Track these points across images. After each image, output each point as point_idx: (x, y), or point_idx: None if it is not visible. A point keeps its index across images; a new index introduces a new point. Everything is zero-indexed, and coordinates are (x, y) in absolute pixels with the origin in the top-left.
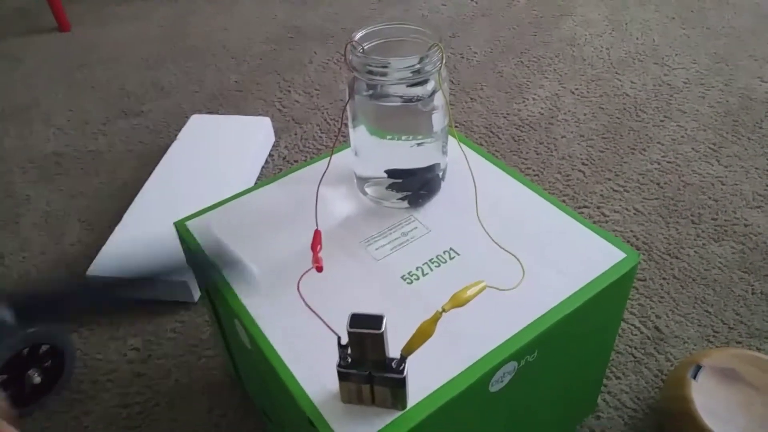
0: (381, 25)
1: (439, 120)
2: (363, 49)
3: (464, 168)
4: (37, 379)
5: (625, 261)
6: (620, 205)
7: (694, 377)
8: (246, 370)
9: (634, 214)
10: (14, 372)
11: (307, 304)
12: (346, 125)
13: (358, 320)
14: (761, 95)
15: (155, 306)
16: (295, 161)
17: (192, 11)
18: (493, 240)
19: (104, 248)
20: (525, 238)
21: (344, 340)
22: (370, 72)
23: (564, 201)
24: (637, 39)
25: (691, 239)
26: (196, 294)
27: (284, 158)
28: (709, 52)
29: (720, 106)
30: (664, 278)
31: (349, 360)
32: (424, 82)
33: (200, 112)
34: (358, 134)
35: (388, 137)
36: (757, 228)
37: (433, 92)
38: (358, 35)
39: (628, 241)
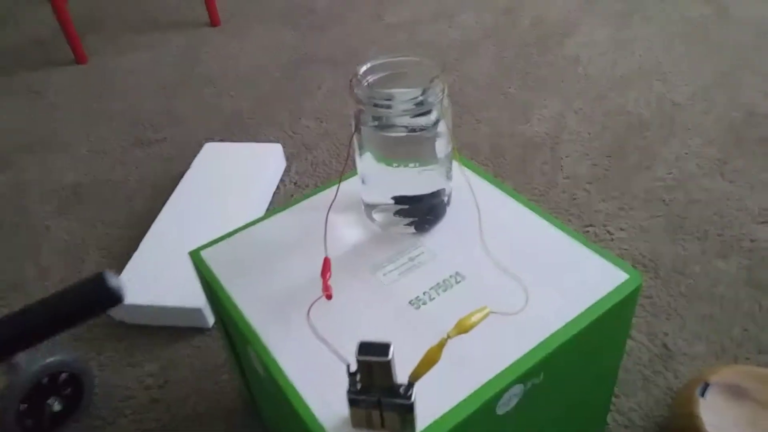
0: (384, 58)
1: (442, 147)
2: (368, 82)
3: (469, 192)
4: (57, 407)
5: (628, 282)
6: (626, 223)
7: (703, 395)
8: (260, 396)
9: (640, 231)
10: (35, 400)
11: (316, 334)
12: (354, 153)
13: (366, 348)
14: (765, 110)
15: (171, 332)
16: (306, 186)
17: (204, 41)
18: (497, 264)
19: (122, 276)
20: (529, 261)
21: (353, 368)
22: (375, 105)
23: (570, 220)
24: (641, 57)
25: (697, 256)
26: (211, 320)
27: (295, 183)
28: (712, 69)
29: (724, 121)
30: (671, 295)
31: (359, 386)
32: (428, 112)
33: (213, 139)
34: (365, 162)
35: (394, 165)
36: (764, 243)
37: (437, 121)
38: (363, 69)
39: (635, 259)
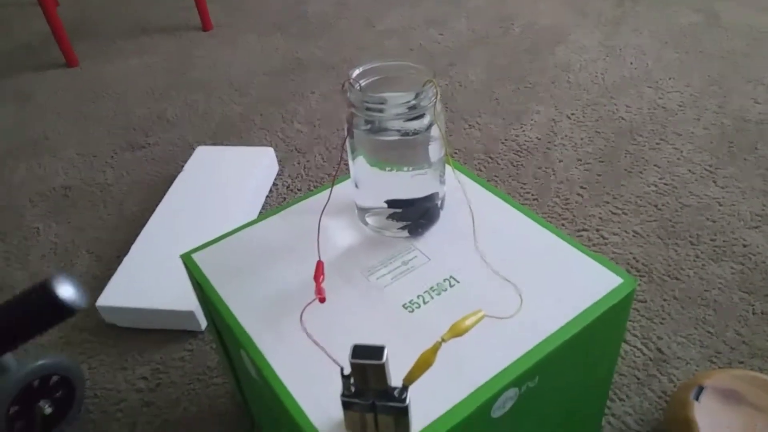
0: (377, 62)
1: (435, 151)
2: (360, 86)
3: (462, 196)
4: (48, 410)
5: (622, 286)
6: (619, 228)
7: (697, 399)
8: (253, 399)
9: (633, 236)
10: (25, 403)
11: (310, 337)
12: (346, 157)
13: (360, 351)
14: (755, 116)
15: (163, 335)
16: (299, 190)
17: (196, 45)
18: (490, 268)
19: (113, 279)
20: (522, 265)
21: (347, 371)
22: (368, 109)
23: (563, 224)
24: (632, 64)
25: (690, 260)
26: (203, 323)
27: (288, 187)
28: (702, 75)
29: (715, 128)
30: (664, 299)
31: (353, 390)
32: (421, 116)
33: (205, 143)
34: (358, 166)
35: (387, 169)
36: (756, 248)
37: (430, 125)
38: (356, 73)
39: (628, 264)
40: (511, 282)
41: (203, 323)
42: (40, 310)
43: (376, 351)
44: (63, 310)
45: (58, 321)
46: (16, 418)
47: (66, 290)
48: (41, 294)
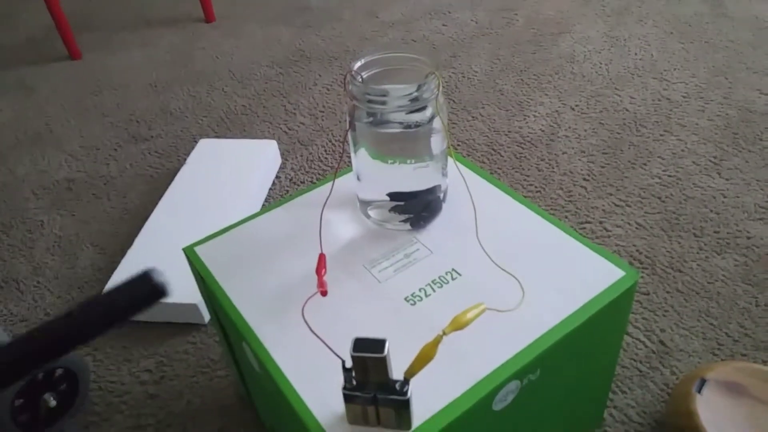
0: (379, 54)
1: (438, 143)
2: (362, 78)
3: (464, 189)
4: (53, 403)
5: (624, 279)
6: (622, 220)
7: (699, 391)
8: (256, 391)
9: (636, 228)
10: (30, 396)
11: (311, 330)
12: (348, 149)
13: (361, 344)
14: (761, 107)
15: (166, 328)
16: (302, 183)
17: (198, 37)
18: (492, 261)
19: (116, 272)
20: (524, 257)
21: (348, 364)
22: (370, 101)
23: (566, 217)
24: (636, 54)
25: (693, 252)
26: (206, 316)
27: (291, 180)
28: (707, 66)
29: (720, 119)
30: (667, 292)
31: (354, 383)
32: (423, 108)
33: (208, 136)
34: (360, 159)
35: (389, 161)
36: (760, 240)
37: (432, 117)
38: (357, 64)
39: (631, 256)
40: (513, 275)
41: (206, 316)
42: (141, 292)
43: (378, 344)
44: (160, 293)
45: (154, 303)
46: (20, 410)
47: (161, 277)
48: (143, 279)
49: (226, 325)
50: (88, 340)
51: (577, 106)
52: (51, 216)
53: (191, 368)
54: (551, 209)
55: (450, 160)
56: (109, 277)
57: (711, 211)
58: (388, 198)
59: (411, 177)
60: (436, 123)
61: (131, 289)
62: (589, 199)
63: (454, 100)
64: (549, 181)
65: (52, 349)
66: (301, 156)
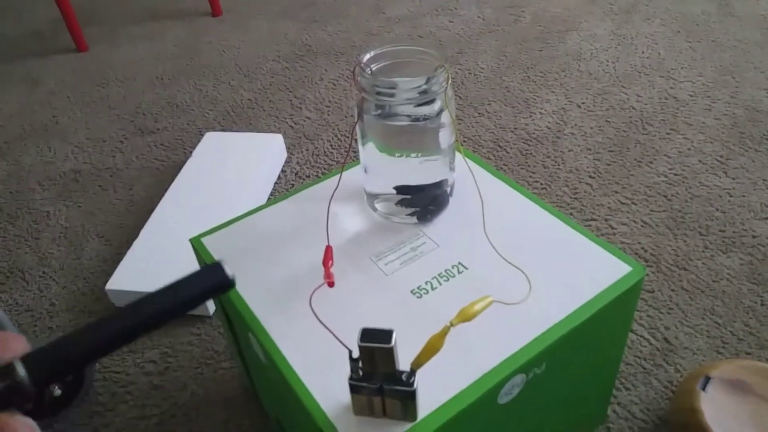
0: (388, 46)
1: (446, 137)
2: (371, 70)
3: (471, 183)
4: (57, 392)
5: (631, 274)
6: (628, 218)
7: (704, 389)
8: (261, 383)
9: (642, 226)
10: None
11: (319, 319)
12: (356, 143)
13: (368, 335)
14: (767, 107)
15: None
16: (307, 177)
17: (205, 30)
18: (500, 254)
19: (122, 263)
20: (531, 252)
21: (355, 354)
22: (379, 93)
23: (572, 214)
24: (643, 53)
25: (699, 251)
26: (212, 307)
27: (296, 174)
28: (714, 65)
29: (726, 118)
30: (672, 290)
31: (361, 373)
32: (431, 101)
33: (214, 129)
34: (368, 152)
35: (397, 155)
36: (765, 239)
37: (440, 111)
38: (366, 57)
39: (636, 253)
40: (519, 269)
41: (211, 308)
42: (211, 282)
43: (385, 335)
44: (228, 284)
45: (221, 293)
46: None
47: (229, 269)
48: (213, 270)
49: (232, 316)
50: (151, 330)
51: (583, 103)
52: (57, 207)
53: (196, 359)
54: (557, 206)
55: (457, 154)
56: (114, 268)
57: (717, 209)
58: (395, 191)
59: (418, 170)
60: (445, 117)
61: (200, 280)
62: (594, 196)
63: (460, 97)
64: (555, 178)
65: (114, 342)
66: (307, 150)
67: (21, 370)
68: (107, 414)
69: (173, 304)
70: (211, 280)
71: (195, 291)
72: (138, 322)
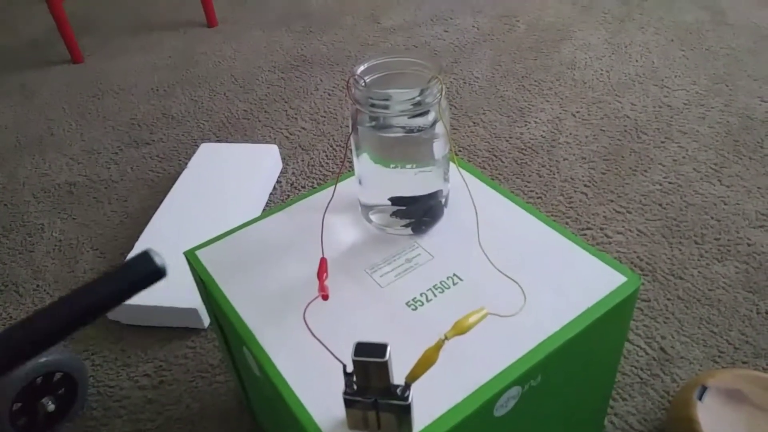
0: (382, 58)
1: (440, 148)
2: (365, 82)
3: (466, 194)
4: (51, 407)
5: (626, 285)
6: (623, 227)
7: (700, 398)
8: (255, 396)
9: (637, 235)
10: (28, 400)
11: (313, 334)
12: (351, 153)
13: (362, 349)
14: (761, 115)
15: (166, 332)
16: (303, 187)
17: (200, 41)
18: (494, 266)
19: None
20: (526, 263)
21: (349, 368)
22: (373, 105)
23: (567, 223)
24: (637, 61)
25: (694, 259)
26: (206, 320)
27: (292, 184)
28: (708, 73)
29: (720, 126)
30: (668, 299)
31: (355, 387)
32: (426, 112)
33: (209, 140)
34: (362, 163)
35: (392, 166)
36: (761, 247)
37: (435, 122)
38: (360, 69)
39: (632, 262)
40: (514, 280)
41: (206, 321)
42: (141, 273)
43: (379, 348)
44: (159, 273)
45: (152, 283)
46: (19, 414)
47: (160, 259)
48: (142, 260)
49: (226, 329)
50: (86, 322)
51: (578, 112)
52: (51, 219)
53: (190, 373)
54: (552, 215)
55: (452, 164)
56: None
57: (712, 218)
58: (389, 202)
59: (413, 181)
60: (439, 127)
61: (130, 270)
62: (589, 205)
63: (455, 106)
64: (550, 187)
65: (51, 334)
66: (302, 161)
67: None
68: (101, 429)
69: (103, 297)
70: (142, 271)
71: (124, 283)
72: (65, 318)
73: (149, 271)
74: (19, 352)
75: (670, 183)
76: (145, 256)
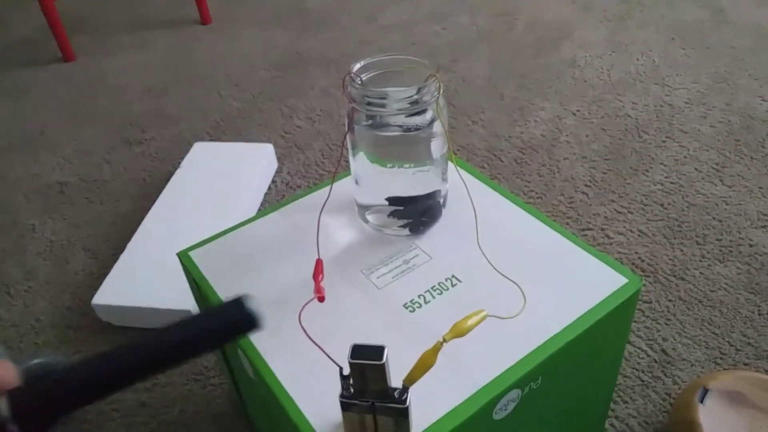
0: (379, 56)
1: (438, 147)
2: (361, 80)
3: (465, 194)
4: None
5: (627, 286)
6: (624, 227)
7: (702, 401)
8: (250, 400)
9: (639, 235)
10: None
11: (308, 336)
12: (347, 153)
13: (359, 351)
14: (762, 114)
15: None
16: (298, 187)
17: (195, 39)
18: (493, 267)
19: (108, 277)
20: (526, 264)
21: (346, 371)
22: (369, 103)
23: (567, 223)
24: (638, 60)
25: (696, 260)
26: None
27: (287, 184)
28: (709, 72)
29: (722, 125)
30: (670, 300)
31: (352, 390)
32: (423, 111)
33: (203, 139)
34: (359, 163)
35: (389, 165)
36: (763, 248)
37: (432, 121)
38: (356, 67)
39: (633, 263)
40: (514, 281)
41: None
42: (234, 322)
43: (376, 351)
44: (254, 324)
45: (245, 333)
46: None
47: (256, 307)
48: (236, 307)
49: None
50: (159, 371)
51: (578, 111)
52: (43, 220)
53: (184, 376)
54: (552, 215)
55: (450, 164)
56: (101, 282)
57: (713, 218)
58: (386, 203)
59: (410, 181)
60: (437, 126)
61: (223, 317)
62: (590, 205)
63: (453, 105)
64: (550, 187)
65: (116, 382)
66: (298, 160)
67: (4, 409)
68: None
69: (188, 342)
70: (233, 317)
71: (213, 328)
72: (145, 360)
73: (241, 320)
74: (78, 398)
75: (671, 183)
76: (239, 304)
